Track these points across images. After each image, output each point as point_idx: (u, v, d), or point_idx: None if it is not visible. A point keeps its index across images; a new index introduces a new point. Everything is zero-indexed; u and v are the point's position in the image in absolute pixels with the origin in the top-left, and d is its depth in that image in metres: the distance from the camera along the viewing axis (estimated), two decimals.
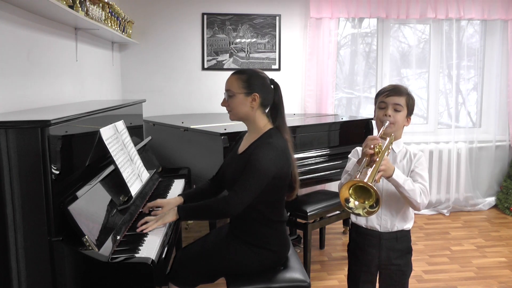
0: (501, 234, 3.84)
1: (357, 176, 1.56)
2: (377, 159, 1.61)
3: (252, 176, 1.78)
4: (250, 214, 1.87)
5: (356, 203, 1.53)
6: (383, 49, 4.37)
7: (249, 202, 1.80)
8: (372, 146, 1.65)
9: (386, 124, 1.78)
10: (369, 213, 1.53)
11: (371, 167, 1.58)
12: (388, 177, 1.67)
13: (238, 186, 1.79)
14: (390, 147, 1.80)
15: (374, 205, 1.50)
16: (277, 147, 1.83)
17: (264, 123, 1.94)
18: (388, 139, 1.77)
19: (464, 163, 4.39)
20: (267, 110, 1.97)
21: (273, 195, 1.90)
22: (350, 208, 1.53)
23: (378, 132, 1.78)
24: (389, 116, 1.78)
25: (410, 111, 1.83)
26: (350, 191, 1.52)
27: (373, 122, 3.59)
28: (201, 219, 1.98)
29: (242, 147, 1.97)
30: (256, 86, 1.89)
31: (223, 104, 1.96)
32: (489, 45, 4.49)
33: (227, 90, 1.93)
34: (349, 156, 1.94)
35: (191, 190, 2.26)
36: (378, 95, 1.87)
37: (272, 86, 1.95)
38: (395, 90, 1.81)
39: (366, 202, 1.52)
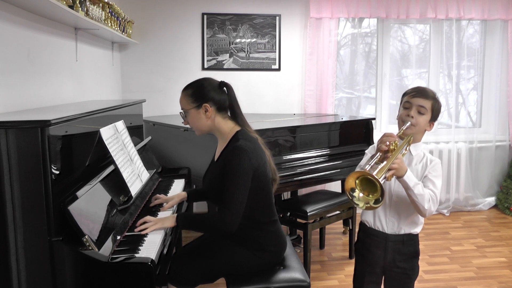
0: (501, 234, 3.84)
1: (367, 169, 1.55)
2: (390, 156, 1.60)
3: (234, 186, 1.76)
4: (241, 221, 1.82)
5: (361, 195, 1.53)
6: (383, 49, 4.37)
7: (242, 211, 1.78)
8: (388, 142, 1.64)
9: (407, 124, 1.75)
10: (369, 208, 1.53)
11: (383, 163, 1.58)
12: (399, 177, 1.64)
13: (227, 202, 1.76)
14: (408, 148, 1.78)
15: (380, 199, 1.49)
16: (246, 148, 1.80)
17: (229, 128, 1.93)
18: (405, 139, 1.75)
19: (464, 163, 4.39)
20: (229, 113, 1.96)
21: (257, 198, 1.87)
22: (353, 197, 1.53)
23: (398, 131, 1.76)
24: (412, 117, 1.75)
25: (434, 116, 1.79)
26: (357, 181, 1.52)
27: (373, 122, 3.60)
28: (198, 231, 1.96)
29: (217, 154, 1.98)
30: (203, 96, 1.88)
31: (184, 123, 1.97)
32: (489, 45, 4.49)
33: (182, 109, 1.94)
34: (366, 151, 1.93)
35: (198, 188, 2.27)
36: (404, 94, 1.84)
37: (223, 88, 1.93)
38: (422, 92, 1.77)
39: (371, 196, 1.51)
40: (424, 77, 4.55)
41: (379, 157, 1.64)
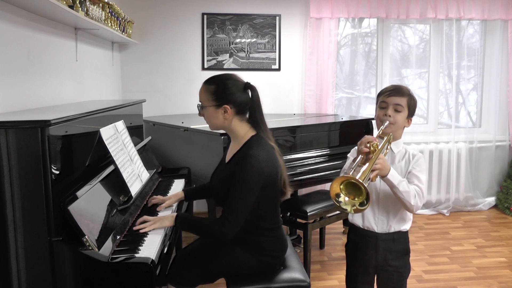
0: (501, 234, 3.84)
1: (350, 173, 1.56)
2: (372, 157, 1.61)
3: (239, 198, 1.74)
4: (243, 226, 1.81)
5: (346, 199, 1.54)
6: (383, 49, 4.37)
7: (242, 222, 1.76)
8: (368, 144, 1.65)
9: (386, 123, 1.77)
10: (357, 211, 1.54)
11: (365, 165, 1.59)
12: (383, 177, 1.66)
13: (227, 212, 1.74)
14: (389, 147, 1.79)
15: (365, 202, 1.50)
16: (259, 157, 1.74)
17: (244, 131, 1.86)
18: (385, 138, 1.76)
19: (464, 163, 4.39)
20: (247, 115, 1.88)
21: (263, 205, 1.84)
22: (339, 203, 1.54)
23: (378, 131, 1.78)
24: (389, 116, 1.78)
25: (411, 113, 1.82)
26: (341, 186, 1.53)
27: (373, 122, 3.59)
28: (195, 234, 1.94)
29: (228, 156, 1.93)
30: (225, 98, 1.80)
31: (199, 115, 1.91)
32: (489, 45, 4.49)
33: (200, 101, 1.87)
34: (348, 155, 1.93)
35: (194, 187, 2.26)
36: (379, 94, 1.86)
37: (248, 90, 1.84)
38: (397, 91, 1.80)
39: (356, 199, 1.52)
40: (424, 77, 4.55)
41: (361, 159, 1.65)
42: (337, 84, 4.38)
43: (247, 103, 1.85)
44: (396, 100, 1.78)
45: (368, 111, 4.51)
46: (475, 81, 4.60)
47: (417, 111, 1.89)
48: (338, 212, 3.15)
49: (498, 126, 4.50)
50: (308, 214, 2.87)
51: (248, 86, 1.85)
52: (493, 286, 2.92)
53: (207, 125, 1.92)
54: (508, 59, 4.38)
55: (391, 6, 4.13)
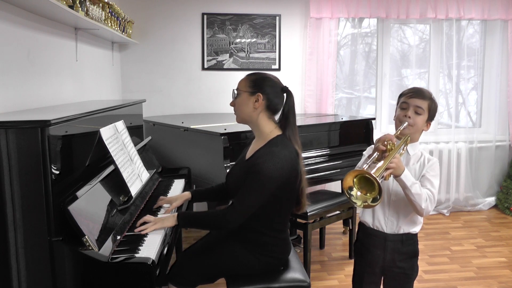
0: (501, 234, 3.84)
1: (365, 168, 1.56)
2: (388, 156, 1.61)
3: (252, 190, 1.75)
4: (250, 224, 1.82)
5: (358, 193, 1.54)
6: (383, 49, 4.37)
7: (248, 216, 1.77)
8: (385, 142, 1.66)
9: (405, 124, 1.76)
10: (367, 207, 1.55)
11: (380, 162, 1.59)
12: (397, 177, 1.66)
13: (237, 200, 1.76)
14: (405, 148, 1.79)
15: (378, 197, 1.50)
16: (281, 156, 1.76)
17: (270, 129, 1.88)
18: (402, 139, 1.77)
19: (464, 163, 4.39)
20: (277, 118, 1.92)
21: (276, 207, 1.85)
22: (351, 196, 1.54)
23: (395, 131, 1.78)
24: (409, 117, 1.77)
25: (431, 117, 1.81)
26: (355, 180, 1.53)
27: (374, 122, 3.60)
28: (199, 228, 1.95)
29: (249, 153, 1.92)
30: (262, 87, 1.86)
31: (231, 103, 1.95)
32: (489, 45, 4.49)
33: (236, 89, 1.92)
34: (363, 153, 1.93)
35: (202, 188, 2.27)
36: (401, 95, 1.85)
37: (283, 93, 1.90)
38: (419, 93, 1.79)
39: (368, 195, 1.53)
40: (424, 77, 4.55)
41: (376, 156, 1.65)
42: (337, 84, 4.37)
43: (278, 104, 1.89)
44: (418, 102, 1.77)
45: (368, 111, 4.51)
46: (475, 81, 4.60)
47: None
48: (338, 212, 3.15)
49: (498, 126, 4.50)
50: (308, 214, 2.86)
51: (285, 89, 1.91)
52: (493, 286, 2.92)
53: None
54: (508, 59, 4.38)
55: (391, 6, 4.13)
